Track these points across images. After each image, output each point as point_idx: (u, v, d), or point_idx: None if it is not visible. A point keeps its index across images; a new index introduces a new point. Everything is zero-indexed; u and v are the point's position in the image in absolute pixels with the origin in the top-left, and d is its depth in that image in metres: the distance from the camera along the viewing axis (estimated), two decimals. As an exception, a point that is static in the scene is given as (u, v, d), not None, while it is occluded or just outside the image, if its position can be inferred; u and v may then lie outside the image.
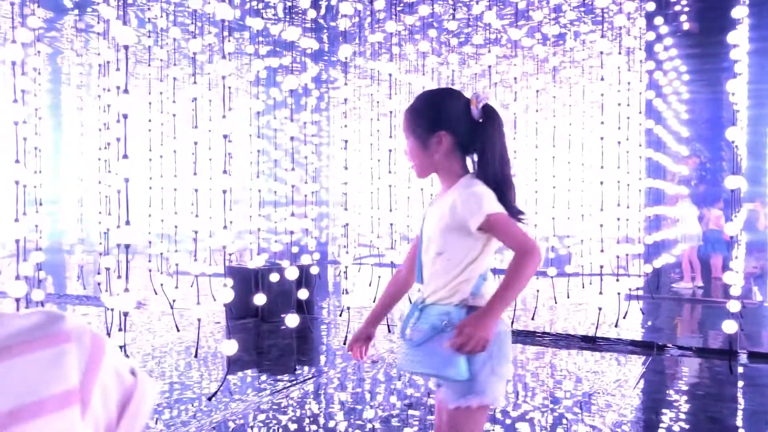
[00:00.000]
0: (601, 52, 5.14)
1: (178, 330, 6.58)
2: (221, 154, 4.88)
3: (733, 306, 4.90)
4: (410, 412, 4.11)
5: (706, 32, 7.17)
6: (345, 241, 7.85)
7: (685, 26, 7.14)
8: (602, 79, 5.50)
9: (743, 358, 5.44)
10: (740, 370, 5.14)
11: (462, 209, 1.97)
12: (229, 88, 7.94)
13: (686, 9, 7.07)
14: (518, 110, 6.92)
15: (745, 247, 8.95)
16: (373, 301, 8.23)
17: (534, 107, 7.43)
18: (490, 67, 6.10)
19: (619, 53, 5.88)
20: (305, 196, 9.27)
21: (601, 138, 5.80)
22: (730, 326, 4.80)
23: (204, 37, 8.64)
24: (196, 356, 5.50)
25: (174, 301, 6.96)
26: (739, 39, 4.94)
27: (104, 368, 0.57)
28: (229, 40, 6.74)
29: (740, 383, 4.86)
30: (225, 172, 4.69)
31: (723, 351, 5.38)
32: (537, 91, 7.19)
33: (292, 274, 5.30)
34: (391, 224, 6.85)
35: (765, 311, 7.92)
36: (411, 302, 2.14)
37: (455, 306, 1.99)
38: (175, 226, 7.75)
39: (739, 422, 4.04)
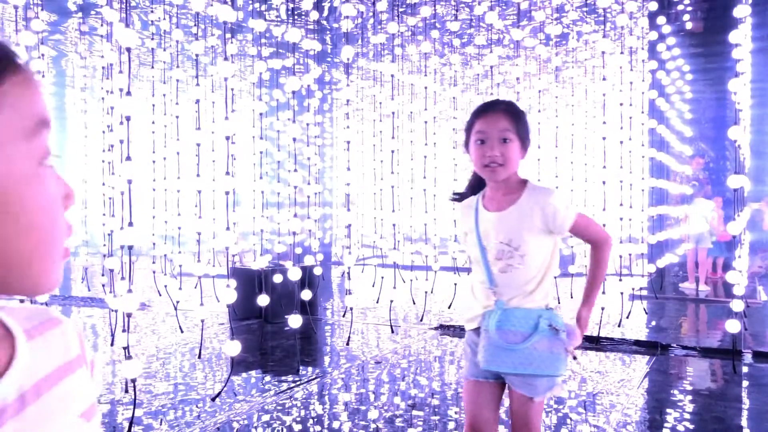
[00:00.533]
0: (604, 52, 5.14)
1: (182, 331, 6.59)
2: (224, 156, 4.89)
3: (737, 305, 4.89)
4: (414, 412, 4.11)
5: (709, 31, 7.17)
6: (348, 242, 7.86)
7: (688, 26, 7.14)
8: (604, 79, 5.49)
9: (748, 357, 5.43)
10: (744, 369, 5.13)
11: (554, 213, 2.13)
12: (232, 89, 8.01)
13: (689, 8, 7.07)
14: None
15: (749, 246, 8.94)
16: (377, 302, 8.25)
17: (536, 107, 7.43)
18: (492, 67, 6.11)
19: (622, 53, 5.89)
20: (308, 197, 9.28)
21: (604, 138, 5.80)
22: (733, 326, 4.79)
23: (207, 39, 8.65)
24: (199, 357, 5.51)
25: (178, 302, 6.97)
26: (741, 38, 4.93)
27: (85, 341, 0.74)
28: (231, 42, 6.75)
29: (744, 383, 4.85)
30: (228, 173, 4.70)
31: (727, 350, 5.37)
32: (539, 91, 7.18)
33: (295, 275, 5.31)
34: (394, 225, 6.85)
35: (767, 311, 7.90)
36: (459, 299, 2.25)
37: (546, 309, 2.18)
38: (179, 228, 7.76)
39: (743, 422, 4.04)
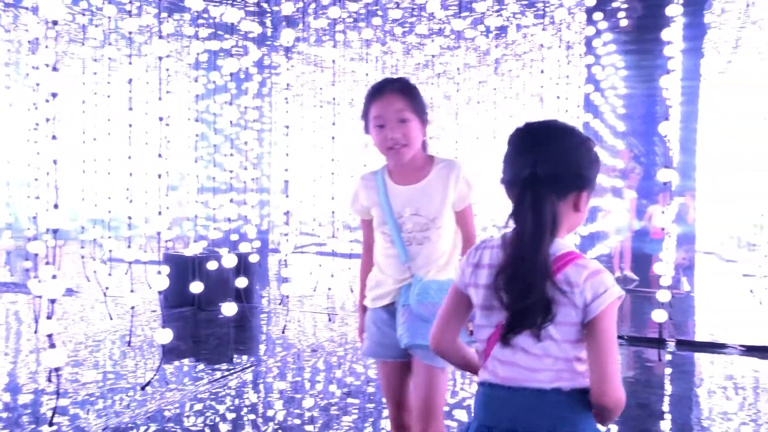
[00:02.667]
0: (542, 45, 5.21)
1: (112, 318, 6.39)
2: (157, 138, 4.73)
3: (663, 296, 5.08)
4: (349, 400, 4.10)
5: (642, 29, 7.37)
6: (286, 229, 7.77)
7: (623, 23, 7.33)
8: (542, 72, 5.58)
9: (671, 346, 5.64)
10: (668, 357, 5.33)
11: (463, 187, 2.19)
12: (167, 70, 7.75)
13: (624, 5, 7.26)
14: (460, 101, 6.98)
15: (676, 239, 9.28)
16: (314, 290, 8.20)
17: (476, 99, 7.50)
18: (433, 56, 6.12)
19: (559, 47, 6.00)
20: (244, 182, 9.13)
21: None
22: (659, 315, 4.96)
23: (141, 16, 8.36)
24: (129, 345, 5.35)
25: (107, 288, 6.75)
26: (673, 36, 5.08)
27: None
28: (167, 21, 6.53)
29: (668, 370, 5.04)
30: (160, 156, 4.55)
31: (652, 339, 5.57)
32: (479, 82, 7.26)
33: (230, 261, 5.21)
34: (333, 213, 6.80)
35: (692, 301, 8.24)
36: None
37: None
38: (109, 212, 7.50)
39: (666, 408, 4.19)
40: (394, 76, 2.37)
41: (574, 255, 1.42)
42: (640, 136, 8.70)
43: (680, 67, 5.62)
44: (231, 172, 6.59)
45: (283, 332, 6.02)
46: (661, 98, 8.41)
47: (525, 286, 1.38)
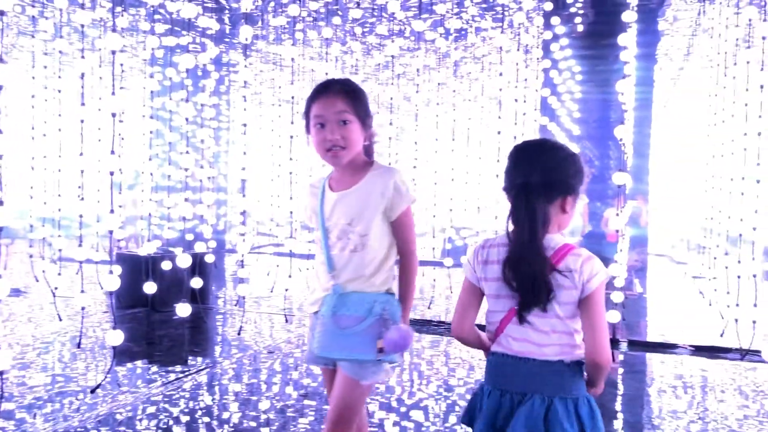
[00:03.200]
0: (501, 48, 5.26)
1: (61, 320, 6.21)
2: (110, 135, 4.60)
3: (617, 297, 5.18)
4: (306, 402, 4.06)
5: (597, 35, 7.51)
6: (243, 229, 7.67)
7: (579, 28, 7.45)
8: (501, 74, 5.63)
9: (624, 346, 5.75)
10: (621, 357, 5.43)
11: (395, 191, 2.11)
12: (122, 65, 7.58)
13: (580, 11, 7.38)
14: (420, 103, 7.00)
15: (629, 241, 9.48)
16: (271, 291, 8.11)
17: (435, 100, 7.53)
18: (393, 57, 6.13)
19: (518, 50, 6.05)
20: (200, 181, 8.97)
21: (498, 132, 5.96)
22: (613, 316, 5.05)
23: (95, 9, 8.15)
24: (79, 347, 5.21)
25: (56, 289, 6.57)
26: (629, 42, 5.19)
27: None
28: (122, 15, 6.39)
29: (620, 370, 5.13)
30: (113, 152, 4.43)
31: (606, 339, 5.66)
32: (438, 84, 7.28)
33: (184, 261, 5.11)
34: (291, 213, 6.74)
35: (644, 302, 8.43)
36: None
37: (386, 293, 2.13)
38: (59, 210, 7.30)
39: (618, 407, 4.27)
40: (340, 77, 2.35)
41: (569, 247, 1.77)
42: (595, 140, 8.87)
43: (634, 73, 5.73)
44: (186, 170, 6.49)
45: (239, 333, 5.93)
46: (616, 103, 8.58)
47: (530, 272, 1.73)
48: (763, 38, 5.05)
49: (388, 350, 2.04)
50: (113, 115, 4.35)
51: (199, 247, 7.07)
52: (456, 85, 8.13)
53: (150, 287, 5.31)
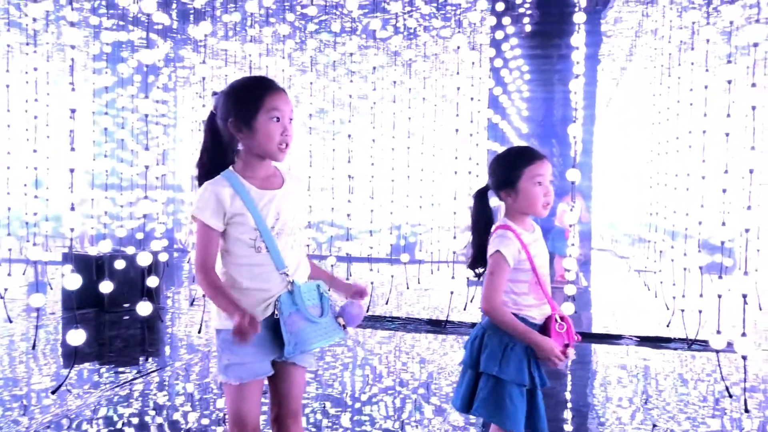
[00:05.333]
0: (457, 48, 5.34)
1: (11, 321, 6.07)
2: (63, 131, 4.51)
3: (569, 289, 5.37)
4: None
5: (543, 36, 7.69)
6: (194, 226, 7.58)
7: (527, 28, 7.63)
8: (456, 73, 5.71)
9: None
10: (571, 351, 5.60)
11: (304, 195, 2.33)
12: (72, 60, 7.39)
13: (528, 12, 7.55)
14: (376, 100, 7.06)
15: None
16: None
17: (390, 98, 7.61)
18: (351, 54, 6.16)
19: (473, 48, 6.18)
20: (156, 178, 8.82)
21: (457, 130, 6.07)
22: (567, 308, 5.22)
23: (41, 2, 7.94)
24: (34, 348, 5.12)
25: (6, 290, 6.40)
26: (579, 42, 5.36)
27: None
28: (72, 9, 6.27)
29: (569, 362, 5.30)
30: (73, 149, 4.35)
31: (556, 332, 5.83)
32: (393, 82, 7.36)
33: (144, 260, 5.05)
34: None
35: (589, 295, 8.69)
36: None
37: (316, 278, 2.23)
38: (8, 209, 7.11)
39: (567, 396, 4.43)
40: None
41: (499, 226, 2.40)
42: (540, 138, 9.09)
43: (581, 72, 5.91)
44: (147, 167, 6.39)
45: (199, 332, 5.91)
46: (559, 102, 8.83)
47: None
48: (707, 41, 5.29)
49: (349, 324, 2.19)
50: (73, 111, 4.27)
51: (153, 246, 6.98)
52: (411, 83, 8.19)
53: (106, 286, 5.23)
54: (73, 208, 3.89)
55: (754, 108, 4.11)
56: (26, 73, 7.51)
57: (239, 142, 2.16)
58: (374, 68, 7.18)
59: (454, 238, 6.76)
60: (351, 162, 6.46)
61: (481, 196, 2.50)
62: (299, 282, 2.13)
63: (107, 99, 9.16)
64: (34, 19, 6.72)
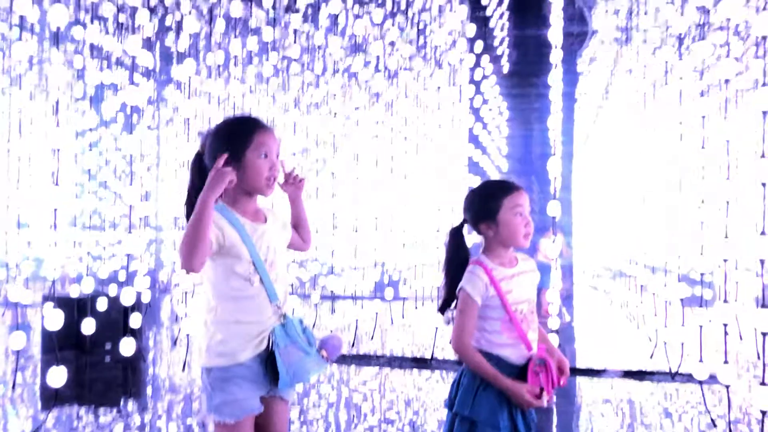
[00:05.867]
0: (438, 88, 5.44)
1: (-13, 364, 5.96)
2: (45, 170, 4.52)
3: (553, 323, 5.41)
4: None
5: (522, 75, 7.87)
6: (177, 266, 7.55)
7: (505, 69, 7.81)
8: (436, 109, 5.81)
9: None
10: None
11: (288, 230, 2.36)
12: (57, 101, 7.43)
13: (506, 52, 7.74)
14: (360, 140, 7.16)
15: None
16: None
17: (371, 136, 7.70)
18: (334, 95, 6.25)
19: (453, 84, 6.31)
20: (140, 219, 8.77)
21: (441, 169, 6.17)
22: (553, 339, 5.23)
23: (26, 42, 7.98)
24: (13, 389, 5.04)
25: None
26: (556, 80, 5.51)
27: None
28: (58, 50, 6.32)
29: (555, 396, 5.30)
30: (56, 184, 4.34)
31: (540, 366, 5.82)
32: (376, 122, 7.46)
33: (127, 298, 5.00)
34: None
35: (572, 330, 8.72)
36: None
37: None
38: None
39: (553, 429, 4.43)
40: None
41: (471, 261, 2.35)
42: (520, 175, 9.22)
43: (558, 109, 6.05)
44: (131, 207, 6.37)
45: (183, 370, 5.83)
46: (537, 140, 8.98)
47: None
48: (681, 78, 5.45)
49: (331, 356, 2.19)
50: (56, 151, 4.28)
51: (135, 286, 6.90)
52: (393, 122, 8.29)
53: (87, 326, 5.16)
54: (56, 244, 3.87)
55: (728, 141, 4.24)
56: (10, 113, 7.52)
57: None
58: (356, 108, 7.30)
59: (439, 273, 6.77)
60: (334, 198, 6.50)
61: (456, 234, 2.43)
62: (288, 314, 2.16)
63: (91, 139, 9.18)
64: (19, 62, 6.74)
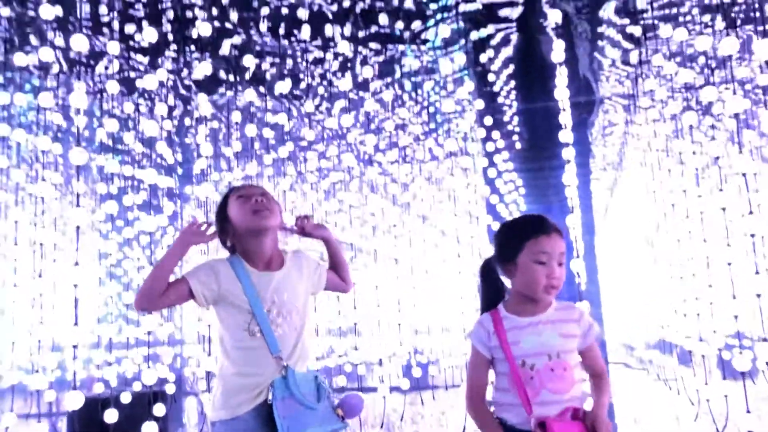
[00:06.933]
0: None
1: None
2: (68, 303, 4.56)
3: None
4: None
5: (535, 150, 7.94)
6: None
7: (518, 146, 7.93)
8: (454, 200, 5.84)
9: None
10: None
11: (319, 267, 2.34)
12: (78, 227, 7.59)
13: (517, 129, 7.89)
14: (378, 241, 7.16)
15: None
16: None
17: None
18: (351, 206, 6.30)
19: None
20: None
21: (458, 255, 6.18)
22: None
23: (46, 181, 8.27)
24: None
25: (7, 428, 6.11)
26: (569, 156, 5.64)
27: None
28: (78, 180, 6.58)
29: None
30: (76, 323, 4.39)
31: None
32: (393, 225, 7.45)
33: (149, 378, 4.86)
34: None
35: (612, 407, 8.25)
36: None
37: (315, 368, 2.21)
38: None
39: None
40: None
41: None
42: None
43: (574, 182, 6.09)
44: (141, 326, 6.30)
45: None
46: (557, 212, 8.88)
47: None
48: (693, 153, 5.52)
49: (348, 416, 2.13)
50: (75, 286, 4.36)
51: (161, 373, 6.72)
52: (410, 221, 8.33)
53: (110, 415, 4.97)
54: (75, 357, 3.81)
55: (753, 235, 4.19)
56: (33, 245, 7.63)
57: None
58: (372, 213, 7.44)
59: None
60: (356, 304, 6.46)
61: (487, 269, 2.16)
62: (297, 369, 2.11)
63: (112, 262, 9.28)
64: (42, 199, 6.93)
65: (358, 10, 6.12)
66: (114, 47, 4.95)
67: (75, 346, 4.27)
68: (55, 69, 6.02)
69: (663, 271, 7.68)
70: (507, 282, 2.12)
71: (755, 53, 3.95)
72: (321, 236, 2.38)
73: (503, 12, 6.44)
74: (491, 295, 2.12)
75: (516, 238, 2.04)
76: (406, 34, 6.36)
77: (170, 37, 6.12)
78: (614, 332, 12.56)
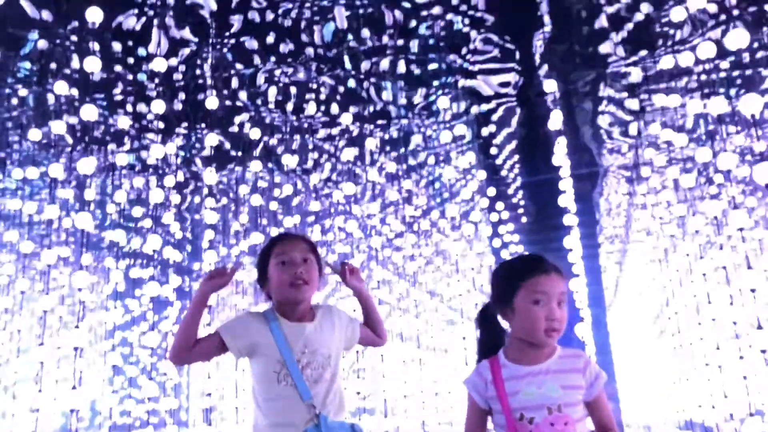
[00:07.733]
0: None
1: None
2: (69, 372, 4.55)
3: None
4: None
5: (540, 226, 7.96)
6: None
7: (523, 219, 7.97)
8: (458, 271, 5.87)
9: None
10: None
11: (351, 321, 2.34)
12: (82, 302, 7.63)
13: (522, 202, 7.95)
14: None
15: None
16: None
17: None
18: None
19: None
20: (166, 411, 8.50)
21: (464, 338, 6.11)
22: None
23: (52, 248, 8.35)
24: None
25: None
26: (574, 243, 5.64)
27: None
28: (84, 251, 6.64)
29: None
30: (74, 387, 4.36)
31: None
32: (399, 297, 7.46)
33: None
34: None
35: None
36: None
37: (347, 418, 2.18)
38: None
39: None
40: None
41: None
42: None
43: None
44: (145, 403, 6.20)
45: None
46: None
47: None
48: (696, 232, 5.52)
49: None
50: (76, 349, 4.36)
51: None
52: (416, 294, 8.29)
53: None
54: None
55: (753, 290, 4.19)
56: (41, 315, 7.64)
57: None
58: (378, 282, 7.42)
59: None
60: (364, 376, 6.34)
61: (485, 315, 2.06)
62: (330, 417, 2.09)
63: (118, 338, 9.20)
64: (49, 266, 7.00)
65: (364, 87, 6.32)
66: (124, 122, 5.11)
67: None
68: (69, 141, 6.20)
69: (674, 343, 7.48)
70: (507, 326, 2.01)
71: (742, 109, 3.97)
72: (355, 287, 2.40)
73: (503, 85, 6.58)
74: (489, 341, 2.02)
75: (512, 279, 1.93)
76: (410, 109, 6.55)
77: (181, 113, 6.32)
78: (632, 412, 12.14)
